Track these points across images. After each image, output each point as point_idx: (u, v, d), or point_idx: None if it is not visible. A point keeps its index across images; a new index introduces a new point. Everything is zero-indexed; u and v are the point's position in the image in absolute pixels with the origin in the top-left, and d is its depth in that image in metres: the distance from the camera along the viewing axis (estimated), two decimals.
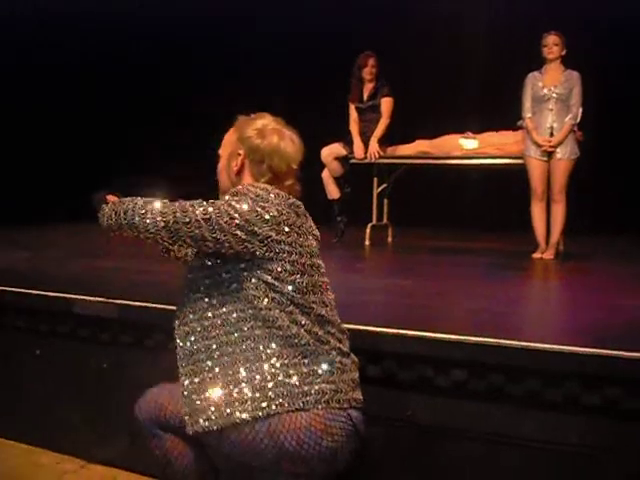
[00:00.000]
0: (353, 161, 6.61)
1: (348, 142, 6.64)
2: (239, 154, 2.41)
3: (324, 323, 2.29)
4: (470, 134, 6.49)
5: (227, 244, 2.20)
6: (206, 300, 2.28)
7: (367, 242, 6.53)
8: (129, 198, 2.32)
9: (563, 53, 5.66)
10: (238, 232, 2.18)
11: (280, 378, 2.17)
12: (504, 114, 6.15)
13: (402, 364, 2.76)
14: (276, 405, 2.14)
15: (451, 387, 2.70)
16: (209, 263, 2.30)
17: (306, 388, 2.18)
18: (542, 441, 2.60)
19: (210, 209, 2.21)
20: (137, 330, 3.39)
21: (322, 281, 2.36)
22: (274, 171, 2.38)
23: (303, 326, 2.22)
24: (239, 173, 2.42)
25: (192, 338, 2.28)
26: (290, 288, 2.23)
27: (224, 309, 2.25)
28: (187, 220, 2.19)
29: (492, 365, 2.64)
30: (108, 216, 2.30)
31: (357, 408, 2.29)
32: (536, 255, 5.65)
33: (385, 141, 6.60)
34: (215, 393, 2.19)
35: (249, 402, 2.15)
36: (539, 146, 5.61)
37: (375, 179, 6.76)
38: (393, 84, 6.62)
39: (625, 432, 2.53)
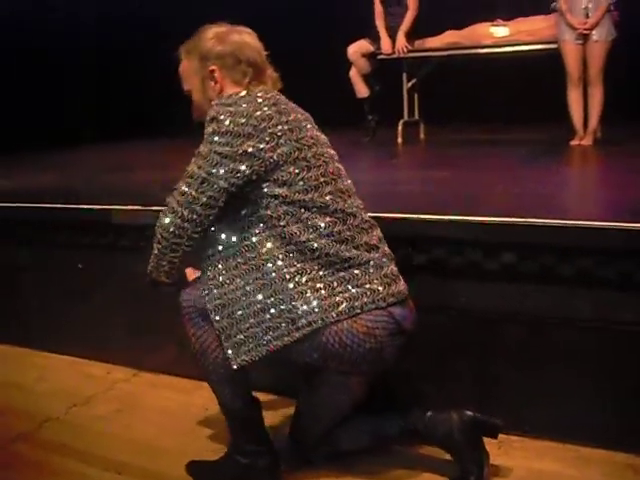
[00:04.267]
0: (381, 57, 6.43)
1: (375, 38, 6.45)
2: (212, 70, 2.32)
3: (345, 217, 2.21)
4: (501, 21, 6.27)
5: (232, 184, 2.14)
6: (223, 236, 2.24)
7: (399, 139, 6.42)
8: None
9: None
10: (234, 165, 2.12)
11: (308, 294, 2.13)
12: None
13: (451, 250, 2.72)
14: (309, 323, 2.12)
15: (501, 270, 2.66)
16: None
17: (337, 299, 2.13)
18: (596, 320, 2.58)
19: (195, 169, 2.17)
20: None
21: (335, 168, 2.29)
22: (253, 64, 2.31)
23: (323, 232, 2.15)
24: (221, 90, 2.33)
25: (220, 277, 2.23)
26: (300, 187, 2.15)
27: (244, 240, 2.20)
28: (190, 199, 2.16)
29: (542, 246, 2.60)
30: (155, 270, 2.33)
31: (399, 302, 2.23)
32: (574, 142, 5.52)
33: (413, 34, 6.39)
34: (248, 324, 2.17)
35: (282, 327, 2.13)
36: (574, 29, 5.39)
37: (405, 74, 6.58)
38: None
39: None
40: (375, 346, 2.16)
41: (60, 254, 3.82)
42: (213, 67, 2.31)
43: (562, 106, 5.54)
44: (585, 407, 2.60)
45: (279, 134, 2.16)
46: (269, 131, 2.15)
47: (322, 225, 2.16)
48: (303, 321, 2.12)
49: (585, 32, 5.36)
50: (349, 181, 2.34)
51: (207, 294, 2.23)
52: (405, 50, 6.31)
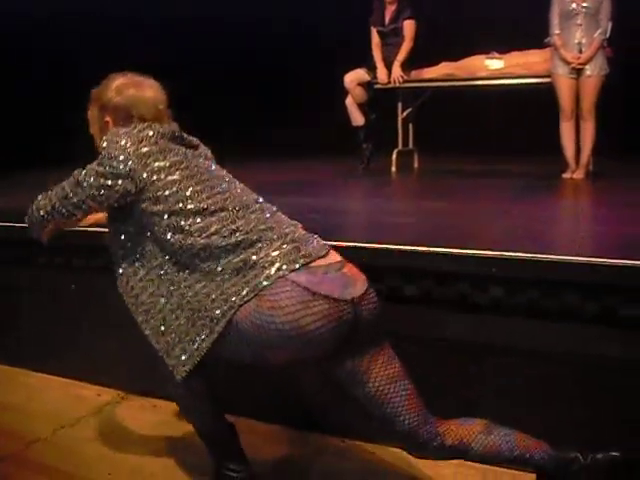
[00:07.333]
0: (377, 86, 6.52)
1: (371, 67, 6.55)
2: (107, 122, 2.43)
3: (228, 214, 2.23)
4: (496, 54, 6.36)
5: (103, 198, 2.27)
6: (125, 264, 2.38)
7: (393, 168, 6.48)
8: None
9: None
10: (104, 181, 2.24)
11: (214, 294, 2.17)
12: (530, 33, 6.00)
13: (439, 282, 2.75)
14: (222, 314, 2.15)
15: (489, 304, 2.69)
16: (119, 235, 2.37)
17: (239, 285, 2.15)
18: (581, 355, 2.60)
19: (77, 172, 2.31)
20: None
21: (210, 176, 2.33)
22: (144, 119, 2.38)
23: (208, 231, 2.19)
24: None
25: (145, 303, 2.34)
26: (175, 199, 2.21)
27: (149, 262, 2.32)
28: (64, 194, 2.33)
29: (530, 280, 2.62)
30: (30, 228, 2.50)
31: (303, 268, 2.14)
32: (566, 175, 5.59)
33: (409, 65, 6.50)
34: (178, 338, 2.25)
35: (206, 329, 2.19)
36: (568, 63, 5.48)
37: (400, 104, 6.67)
38: (415, 5, 6.48)
39: None
40: (286, 318, 2.08)
41: (53, 275, 3.83)
42: (108, 119, 2.44)
43: (555, 139, 5.60)
44: (570, 441, 2.61)
45: (148, 154, 2.25)
46: (140, 151, 2.24)
47: (203, 226, 2.20)
48: (217, 312, 2.16)
49: (578, 67, 5.45)
50: (239, 185, 2.39)
51: (141, 322, 2.35)
52: (401, 80, 6.40)
